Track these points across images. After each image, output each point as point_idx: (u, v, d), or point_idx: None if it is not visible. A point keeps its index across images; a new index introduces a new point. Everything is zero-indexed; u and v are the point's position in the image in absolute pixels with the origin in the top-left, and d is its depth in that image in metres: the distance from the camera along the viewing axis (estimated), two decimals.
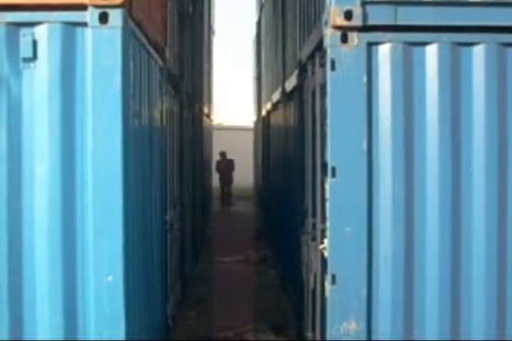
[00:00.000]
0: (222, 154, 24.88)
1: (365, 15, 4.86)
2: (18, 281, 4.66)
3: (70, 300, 4.65)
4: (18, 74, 4.65)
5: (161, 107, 7.06)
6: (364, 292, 4.89)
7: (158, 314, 6.86)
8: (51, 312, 4.64)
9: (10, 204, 4.65)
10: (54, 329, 4.65)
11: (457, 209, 4.94)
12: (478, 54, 4.96)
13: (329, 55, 4.89)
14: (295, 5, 9.14)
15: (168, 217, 7.85)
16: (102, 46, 4.60)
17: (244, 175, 25.68)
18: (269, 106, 15.22)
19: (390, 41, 4.93)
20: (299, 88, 8.18)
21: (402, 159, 4.91)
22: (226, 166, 24.79)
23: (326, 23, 4.95)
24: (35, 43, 4.63)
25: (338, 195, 4.90)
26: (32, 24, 4.64)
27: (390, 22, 4.91)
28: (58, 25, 4.62)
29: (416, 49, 4.95)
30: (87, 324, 4.65)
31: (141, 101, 5.57)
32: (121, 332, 4.64)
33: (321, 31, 5.28)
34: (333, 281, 4.89)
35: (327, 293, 4.95)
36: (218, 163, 24.80)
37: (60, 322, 4.64)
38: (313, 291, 6.51)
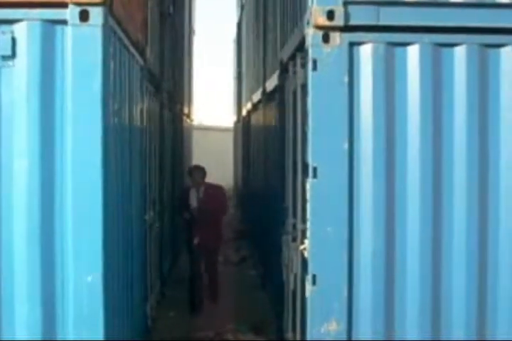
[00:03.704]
0: (196, 171, 10.16)
1: (347, 15, 4.86)
2: None
3: (48, 300, 4.62)
4: None
5: (141, 106, 7.02)
6: (345, 292, 4.88)
7: (138, 314, 6.82)
8: (29, 312, 4.60)
9: None
10: (32, 329, 4.61)
11: (438, 209, 4.95)
12: (460, 55, 4.97)
13: (311, 54, 4.88)
14: (276, 4, 9.13)
15: (147, 217, 7.81)
16: (82, 44, 4.57)
17: (225, 176, 25.62)
18: (249, 106, 15.21)
19: (371, 41, 4.93)
20: (279, 88, 8.17)
21: (383, 159, 4.91)
22: (207, 201, 9.83)
23: (308, 23, 4.94)
24: (14, 41, 4.59)
25: (319, 195, 4.89)
26: (11, 21, 4.59)
27: (372, 22, 4.90)
28: (38, 23, 4.58)
29: (398, 49, 4.95)
30: (65, 324, 4.62)
31: (121, 101, 5.54)
32: (99, 333, 4.61)
33: (302, 31, 5.27)
34: (314, 282, 4.88)
35: (307, 293, 4.94)
36: (185, 192, 10.29)
37: (39, 322, 4.61)
38: (294, 292, 6.50)
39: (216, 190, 10.11)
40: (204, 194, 9.92)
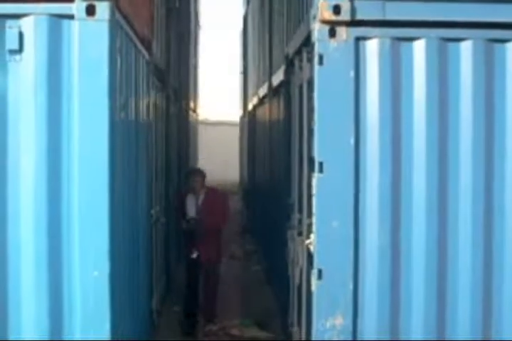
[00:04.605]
0: (194, 175, 9.07)
1: (353, 10, 4.86)
2: (2, 278, 4.61)
3: (55, 294, 4.62)
4: (3, 66, 4.61)
5: (147, 101, 7.03)
6: (350, 286, 4.89)
7: (143, 309, 6.84)
8: (37, 309, 4.60)
9: None
10: (39, 327, 4.61)
11: (444, 203, 4.95)
12: (466, 50, 4.97)
13: (317, 49, 4.88)
14: None
15: (153, 212, 7.82)
16: (89, 39, 4.58)
17: (230, 170, 25.61)
18: (255, 100, 15.20)
19: (377, 36, 4.92)
20: (285, 83, 8.16)
21: (389, 154, 4.91)
22: (207, 211, 8.73)
23: (314, 18, 4.94)
24: (21, 35, 4.60)
25: (325, 190, 4.89)
26: (18, 16, 4.60)
27: (379, 17, 4.90)
28: (45, 18, 4.59)
29: (404, 44, 4.95)
30: (72, 319, 4.62)
31: (127, 95, 5.54)
32: (106, 327, 4.62)
33: (308, 25, 5.27)
34: (320, 276, 4.89)
35: (313, 287, 4.95)
36: (181, 199, 9.01)
37: (46, 315, 4.61)
38: (299, 286, 6.51)
39: (218, 197, 8.94)
40: (203, 202, 8.75)
